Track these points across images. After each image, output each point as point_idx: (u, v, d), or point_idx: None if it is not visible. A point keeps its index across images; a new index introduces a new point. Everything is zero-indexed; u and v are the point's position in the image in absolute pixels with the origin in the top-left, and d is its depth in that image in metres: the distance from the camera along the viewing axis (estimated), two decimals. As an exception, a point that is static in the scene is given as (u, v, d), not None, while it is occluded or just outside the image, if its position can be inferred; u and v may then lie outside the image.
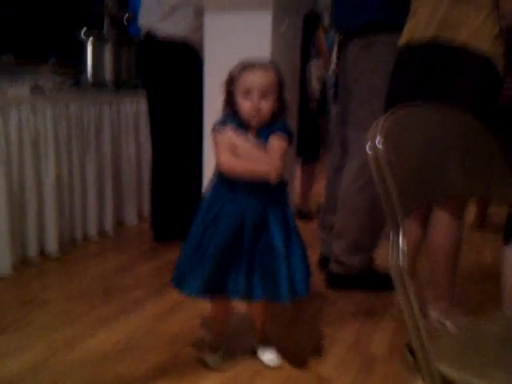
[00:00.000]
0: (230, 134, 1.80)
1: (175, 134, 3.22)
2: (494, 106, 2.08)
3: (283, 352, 2.05)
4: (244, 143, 1.79)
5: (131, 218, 3.69)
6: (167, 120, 3.21)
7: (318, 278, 2.70)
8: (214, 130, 1.84)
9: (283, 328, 2.29)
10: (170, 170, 3.27)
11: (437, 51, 2.07)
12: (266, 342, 2.06)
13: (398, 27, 2.40)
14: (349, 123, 2.71)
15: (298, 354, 2.08)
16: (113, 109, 3.48)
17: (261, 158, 1.77)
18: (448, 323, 2.18)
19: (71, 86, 3.56)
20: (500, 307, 1.84)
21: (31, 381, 1.87)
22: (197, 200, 3.15)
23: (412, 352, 1.06)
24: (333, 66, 4.30)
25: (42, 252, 3.00)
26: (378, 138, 1.08)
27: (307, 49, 3.54)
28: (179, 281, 1.90)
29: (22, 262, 2.87)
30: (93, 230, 3.36)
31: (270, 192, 1.80)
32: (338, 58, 2.86)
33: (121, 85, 3.74)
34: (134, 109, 3.66)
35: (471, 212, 3.87)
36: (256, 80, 1.78)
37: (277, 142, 1.80)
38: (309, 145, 3.80)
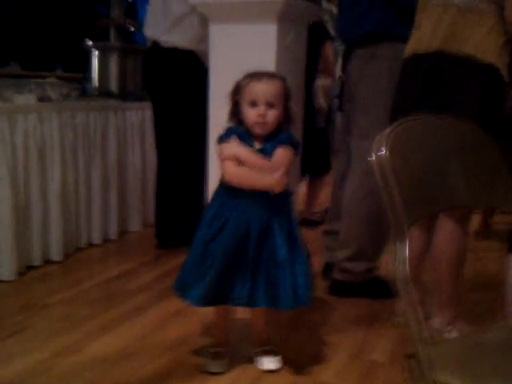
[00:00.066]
0: (235, 145, 1.82)
1: (180, 142, 3.23)
2: (500, 117, 2.10)
3: (284, 358, 2.04)
4: (249, 154, 1.81)
5: (135, 225, 3.71)
6: (172, 129, 3.23)
7: (321, 285, 2.70)
8: (219, 141, 1.87)
9: (284, 334, 2.29)
10: (174, 178, 3.29)
11: (442, 62, 2.08)
12: (267, 348, 2.06)
13: (401, 38, 2.42)
14: (352, 132, 2.73)
15: (298, 360, 2.08)
16: (118, 117, 3.51)
17: (266, 169, 1.79)
18: (452, 331, 2.19)
19: (77, 96, 3.59)
20: (503, 316, 1.84)
21: (33, 385, 1.88)
22: (201, 208, 3.19)
23: (412, 360, 1.07)
24: (337, 75, 4.32)
25: (46, 257, 3.02)
26: (383, 148, 1.10)
27: (314, 61, 3.54)
28: (182, 289, 1.91)
29: (26, 267, 2.89)
30: (97, 237, 3.38)
31: (274, 201, 1.82)
32: (343, 67, 2.88)
33: (127, 95, 3.77)
34: (140, 117, 3.69)
35: (475, 220, 3.87)
36: (263, 90, 1.80)
37: (282, 153, 1.82)
38: (316, 162, 3.80)
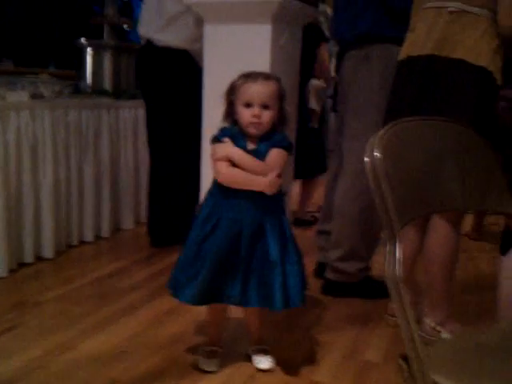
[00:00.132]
0: (228, 146, 1.83)
1: (173, 141, 3.23)
2: (493, 119, 2.11)
3: (278, 357, 2.05)
4: (242, 155, 1.82)
5: (128, 223, 3.71)
6: (165, 127, 3.23)
7: (314, 285, 2.71)
8: (213, 141, 1.87)
9: (278, 333, 2.30)
10: (167, 177, 3.29)
11: (436, 65, 2.09)
12: (261, 347, 2.06)
13: (394, 40, 2.44)
14: (344, 133, 2.74)
15: (292, 360, 2.08)
16: (111, 114, 3.50)
17: (259, 171, 1.80)
18: (443, 332, 2.20)
19: (70, 93, 3.58)
20: (496, 318, 1.85)
21: (26, 383, 1.87)
22: (194, 206, 3.18)
23: (407, 361, 1.08)
24: (331, 75, 4.32)
25: (38, 255, 3.01)
26: (376, 150, 1.10)
27: (309, 62, 3.54)
28: (175, 288, 1.92)
29: (17, 265, 2.88)
30: (89, 235, 3.37)
31: (267, 201, 1.83)
32: (337, 68, 2.89)
33: (120, 94, 3.76)
34: (133, 114, 3.68)
35: (468, 222, 3.89)
36: (258, 91, 1.81)
37: (276, 154, 1.83)
38: (309, 163, 3.81)
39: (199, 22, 2.71)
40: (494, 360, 1.15)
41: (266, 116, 1.82)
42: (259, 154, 1.84)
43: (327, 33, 3.85)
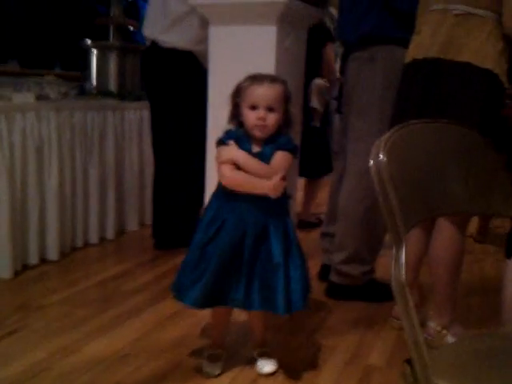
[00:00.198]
0: (233, 149, 1.82)
1: (177, 142, 3.23)
2: (499, 122, 2.10)
3: (281, 361, 2.05)
4: (247, 158, 1.81)
5: (133, 225, 3.71)
6: (170, 129, 3.23)
7: (318, 288, 2.71)
8: (218, 144, 1.87)
9: (282, 337, 2.29)
10: (172, 179, 3.29)
11: (441, 68, 2.08)
12: (264, 351, 2.06)
13: (398, 42, 2.44)
14: (347, 134, 2.74)
15: (295, 363, 2.08)
16: (117, 116, 3.50)
17: (264, 174, 1.79)
18: (448, 335, 2.19)
19: (76, 94, 3.59)
20: (500, 320, 1.84)
21: (30, 386, 1.88)
22: (198, 208, 3.19)
23: (411, 364, 1.07)
24: (336, 76, 4.31)
25: (43, 257, 3.02)
26: (381, 153, 1.10)
27: (315, 62, 3.53)
28: (179, 291, 1.91)
29: (22, 267, 2.89)
30: (94, 236, 3.38)
31: (271, 204, 1.82)
32: (342, 69, 2.89)
33: (125, 95, 3.76)
34: (138, 116, 3.68)
35: (473, 224, 3.87)
36: (263, 94, 1.80)
37: (281, 157, 1.83)
38: (313, 163, 3.80)
39: (204, 24, 2.71)
40: (497, 365, 1.15)
41: (271, 119, 1.81)
42: (264, 157, 1.83)
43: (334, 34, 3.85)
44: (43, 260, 3.01)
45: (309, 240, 3.50)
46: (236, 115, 1.88)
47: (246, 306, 1.86)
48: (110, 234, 3.50)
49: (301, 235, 1.96)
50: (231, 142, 1.84)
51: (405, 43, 2.39)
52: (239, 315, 2.14)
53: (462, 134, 1.30)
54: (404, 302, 1.03)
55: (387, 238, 2.72)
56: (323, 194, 4.12)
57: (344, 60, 2.81)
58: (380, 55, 2.55)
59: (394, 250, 1.08)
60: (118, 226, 3.58)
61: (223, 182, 1.85)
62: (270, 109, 1.81)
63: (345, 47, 2.85)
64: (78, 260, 3.14)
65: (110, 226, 3.49)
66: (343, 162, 2.82)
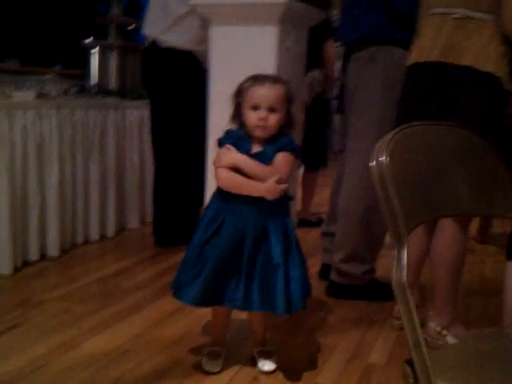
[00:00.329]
0: (233, 153, 1.82)
1: (177, 141, 3.24)
2: (501, 125, 2.11)
3: (281, 359, 2.05)
4: (248, 162, 1.81)
5: (133, 223, 3.72)
6: (170, 128, 3.23)
7: (319, 287, 2.71)
8: (219, 144, 1.87)
9: (282, 335, 2.29)
10: (172, 177, 3.29)
11: (443, 71, 2.09)
12: (265, 349, 2.06)
13: (396, 42, 2.45)
14: (347, 134, 2.75)
15: (295, 362, 2.08)
16: (117, 114, 3.51)
17: (266, 176, 1.79)
18: (448, 336, 2.19)
19: (76, 93, 3.59)
20: (501, 322, 1.84)
21: (29, 381, 1.87)
22: (198, 206, 3.19)
23: (411, 365, 1.07)
24: (336, 76, 4.31)
25: (43, 253, 3.02)
26: (383, 155, 1.10)
27: (315, 58, 3.53)
28: (178, 289, 1.92)
29: (22, 263, 2.89)
30: (95, 234, 3.38)
31: (271, 204, 1.82)
32: (343, 69, 2.90)
33: (126, 93, 3.77)
34: (139, 114, 3.68)
35: (474, 224, 3.88)
36: (265, 94, 1.80)
37: (283, 159, 1.83)
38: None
39: (204, 24, 2.71)
40: (499, 365, 1.15)
41: (273, 119, 1.82)
42: (265, 157, 1.83)
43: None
44: (43, 256, 3.02)
45: (309, 239, 3.50)
46: (237, 115, 1.88)
47: (246, 306, 1.86)
48: (111, 231, 3.50)
49: (300, 234, 1.96)
50: (229, 147, 1.84)
51: (403, 44, 2.41)
52: (240, 313, 2.14)
53: (463, 136, 1.30)
54: (405, 302, 1.04)
55: (388, 238, 2.73)
56: (324, 194, 4.13)
57: (345, 60, 2.82)
58: (379, 56, 2.55)
59: (395, 251, 1.08)
60: (118, 223, 3.58)
61: (219, 184, 1.86)
62: (271, 109, 1.81)
63: (345, 47, 2.86)
64: (78, 257, 3.14)
65: (110, 223, 3.49)
66: (344, 161, 2.83)
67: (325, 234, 2.96)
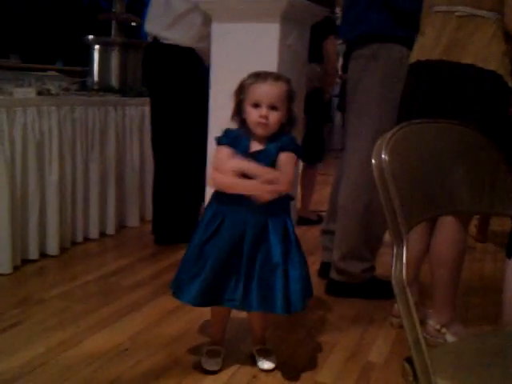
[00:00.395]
0: (240, 160, 1.80)
1: (178, 139, 3.23)
2: (504, 123, 2.10)
3: (281, 358, 2.05)
4: (256, 168, 1.78)
5: (133, 221, 3.71)
6: (170, 125, 3.23)
7: (318, 285, 2.71)
8: (217, 142, 1.87)
9: (281, 334, 2.29)
10: (172, 175, 3.29)
11: (445, 70, 2.08)
12: (264, 347, 2.06)
13: (397, 40, 2.44)
14: (347, 132, 2.75)
15: (295, 360, 2.08)
16: (118, 112, 3.50)
17: (273, 179, 1.78)
18: (447, 334, 2.19)
19: (77, 90, 3.59)
20: (500, 320, 1.84)
21: (29, 379, 1.87)
22: (198, 204, 3.19)
23: (411, 363, 1.07)
24: (338, 74, 4.31)
25: (43, 251, 3.02)
26: (383, 153, 1.10)
27: (316, 52, 3.51)
28: (177, 288, 1.91)
29: (22, 262, 2.89)
30: (94, 232, 3.38)
31: (271, 203, 1.80)
32: (344, 67, 2.90)
33: (127, 91, 3.77)
34: (139, 112, 3.68)
35: (473, 222, 3.87)
36: (267, 92, 1.80)
37: (287, 158, 1.82)
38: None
39: (206, 21, 2.71)
40: (498, 364, 1.15)
41: (274, 117, 1.81)
42: (268, 156, 1.82)
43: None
44: (43, 255, 3.01)
45: (308, 237, 3.50)
46: (239, 112, 1.88)
47: (245, 306, 1.86)
48: (110, 229, 3.50)
49: (300, 232, 1.96)
50: (227, 150, 1.83)
51: (405, 42, 2.40)
52: (239, 312, 2.14)
53: (464, 133, 1.30)
54: (405, 300, 1.03)
55: (388, 235, 2.73)
56: (324, 192, 4.13)
57: (346, 58, 2.82)
58: (382, 53, 2.55)
59: (394, 249, 1.08)
60: (118, 221, 3.58)
61: (210, 184, 1.85)
62: (272, 107, 1.80)
63: (347, 45, 2.86)
64: (77, 255, 3.14)
65: (110, 221, 3.49)
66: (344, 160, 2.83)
67: (325, 232, 2.95)
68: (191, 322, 2.33)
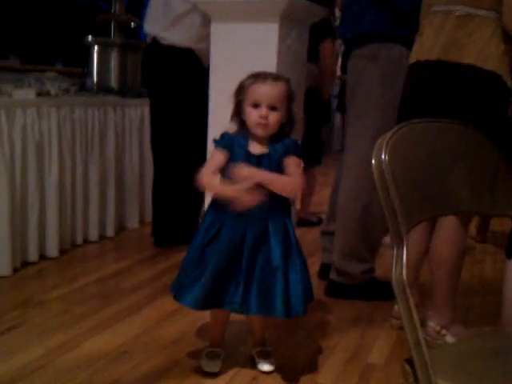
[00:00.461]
0: (253, 170, 1.78)
1: (176, 140, 3.23)
2: (504, 123, 2.10)
3: (280, 359, 2.05)
4: (270, 176, 1.78)
5: (133, 223, 3.71)
6: (169, 127, 3.23)
7: (318, 287, 2.70)
8: (215, 145, 1.86)
9: (281, 335, 2.28)
10: (171, 176, 3.29)
11: (444, 70, 2.08)
12: (264, 349, 2.06)
13: (395, 39, 2.44)
14: (347, 132, 2.75)
15: (295, 362, 2.08)
16: (117, 113, 3.50)
17: (291, 185, 1.81)
18: (448, 335, 2.19)
19: (77, 91, 3.58)
20: (500, 321, 1.84)
21: (28, 382, 1.87)
22: (198, 206, 3.19)
23: (411, 364, 1.07)
24: (337, 75, 4.30)
25: (42, 253, 3.01)
26: (383, 153, 1.09)
27: (312, 52, 3.51)
28: (178, 292, 1.91)
29: (21, 264, 2.88)
30: (94, 234, 3.37)
31: (272, 206, 1.80)
32: (343, 67, 2.89)
33: (126, 92, 3.76)
34: (139, 113, 3.68)
35: (473, 223, 3.87)
36: (266, 92, 1.79)
37: (294, 163, 1.83)
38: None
39: (205, 21, 2.71)
40: (498, 364, 1.15)
41: (274, 117, 1.80)
42: (273, 159, 1.82)
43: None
44: (43, 257, 3.01)
45: (308, 238, 3.50)
46: (238, 113, 1.87)
47: (244, 310, 1.85)
48: (110, 231, 3.49)
49: (299, 234, 1.95)
50: (219, 156, 1.83)
51: (404, 42, 2.40)
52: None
53: (463, 133, 1.29)
54: (405, 301, 1.03)
55: (387, 237, 2.73)
56: (324, 194, 4.12)
57: (345, 58, 2.81)
58: (382, 53, 2.54)
59: (394, 250, 1.07)
60: (117, 223, 3.58)
61: (197, 180, 1.83)
62: (272, 107, 1.79)
63: (345, 45, 2.86)
64: (77, 257, 3.14)
65: (109, 223, 3.48)
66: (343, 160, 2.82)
67: (324, 234, 2.95)
68: (191, 325, 2.33)
